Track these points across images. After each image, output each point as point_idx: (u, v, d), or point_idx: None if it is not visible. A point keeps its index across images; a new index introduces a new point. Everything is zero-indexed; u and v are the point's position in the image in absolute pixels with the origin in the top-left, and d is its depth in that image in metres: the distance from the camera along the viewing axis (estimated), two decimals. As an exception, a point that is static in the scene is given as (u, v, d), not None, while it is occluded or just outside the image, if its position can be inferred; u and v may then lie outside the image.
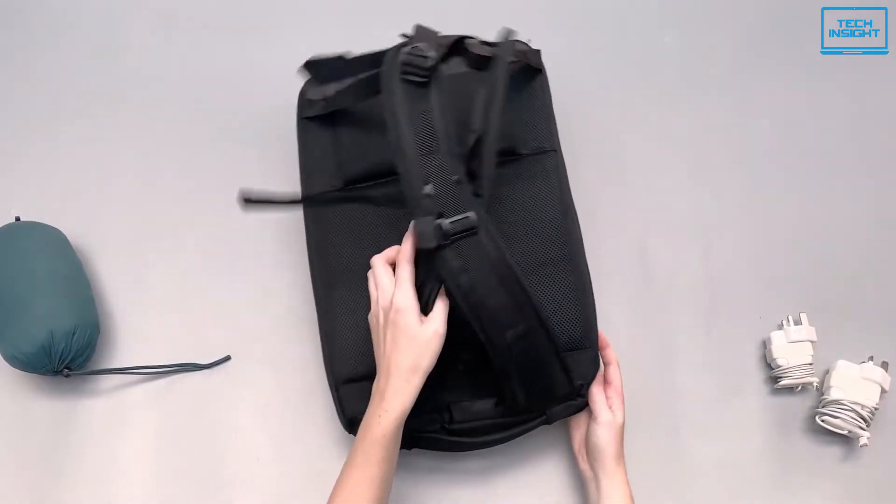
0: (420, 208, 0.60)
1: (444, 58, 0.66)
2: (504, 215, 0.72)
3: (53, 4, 0.95)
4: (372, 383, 0.64)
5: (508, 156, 0.75)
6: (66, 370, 0.73)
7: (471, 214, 0.60)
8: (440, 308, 0.61)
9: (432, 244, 0.58)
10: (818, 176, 0.88)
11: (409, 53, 0.62)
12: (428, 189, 0.60)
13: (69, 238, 0.80)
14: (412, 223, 0.61)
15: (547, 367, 0.66)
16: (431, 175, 0.60)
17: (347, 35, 0.91)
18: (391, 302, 0.61)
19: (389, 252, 0.64)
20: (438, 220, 0.59)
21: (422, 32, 0.65)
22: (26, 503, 0.74)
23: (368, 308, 0.65)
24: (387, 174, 0.73)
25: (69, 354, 0.72)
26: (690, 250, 0.84)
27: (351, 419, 0.69)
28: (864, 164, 0.88)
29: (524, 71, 0.77)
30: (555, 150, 0.76)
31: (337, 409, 0.71)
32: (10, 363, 0.72)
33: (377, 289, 0.63)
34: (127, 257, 0.83)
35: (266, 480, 0.75)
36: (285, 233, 0.83)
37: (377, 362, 0.63)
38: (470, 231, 0.60)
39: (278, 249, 0.82)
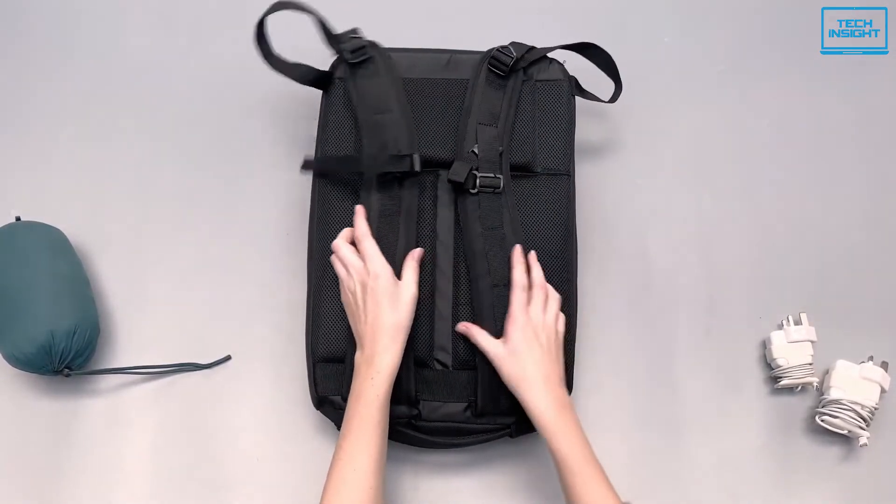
0: (462, 158, 0.73)
1: (530, 64, 0.78)
2: (507, 229, 0.74)
3: (53, 4, 0.95)
4: (344, 366, 0.69)
5: (523, 171, 0.76)
6: (67, 370, 0.73)
7: (501, 177, 0.72)
8: (411, 274, 0.68)
9: (459, 178, 0.71)
10: (818, 176, 0.88)
11: (499, 50, 0.77)
12: (475, 148, 0.73)
13: (69, 238, 0.80)
14: (357, 206, 0.71)
15: None
16: (483, 140, 0.73)
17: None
18: (368, 271, 0.67)
19: (345, 233, 0.70)
20: (473, 171, 0.72)
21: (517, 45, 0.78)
22: (26, 503, 0.74)
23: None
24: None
25: (69, 354, 0.72)
26: (690, 250, 0.84)
27: (322, 398, 0.72)
28: (863, 163, 0.89)
29: (556, 92, 0.79)
30: (568, 175, 0.77)
31: (310, 386, 0.72)
32: (10, 363, 0.72)
33: (347, 267, 0.68)
34: (127, 257, 0.83)
35: (266, 480, 0.75)
36: (286, 232, 0.83)
37: (358, 337, 0.67)
38: (495, 189, 0.72)
39: (278, 249, 0.82)
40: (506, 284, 0.70)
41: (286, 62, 0.78)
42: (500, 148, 0.74)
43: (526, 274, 0.70)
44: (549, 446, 0.64)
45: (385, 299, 0.65)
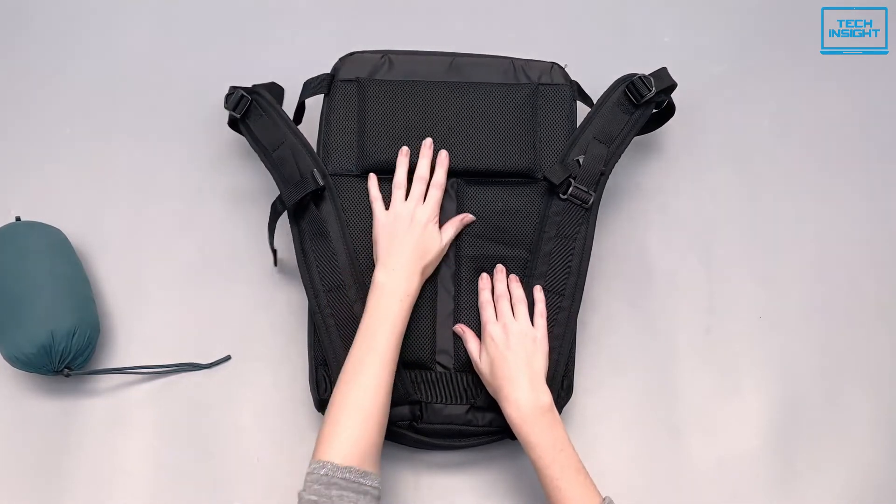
0: (564, 165, 0.74)
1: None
2: (507, 236, 0.75)
3: (53, 4, 0.95)
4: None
5: (523, 178, 0.77)
6: (67, 370, 0.73)
7: (593, 195, 0.74)
8: (451, 231, 0.74)
9: (554, 180, 0.73)
10: (818, 176, 0.88)
11: (641, 79, 0.78)
12: (580, 158, 0.75)
13: (69, 238, 0.80)
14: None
15: (554, 345, 0.71)
16: (591, 154, 0.75)
17: (344, 32, 0.91)
18: (415, 214, 0.72)
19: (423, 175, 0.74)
20: (570, 178, 0.74)
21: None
22: (26, 503, 0.74)
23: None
24: (409, 171, 0.75)
25: (69, 354, 0.72)
26: (690, 250, 0.84)
27: (323, 400, 0.72)
28: (863, 163, 0.89)
29: (558, 96, 0.79)
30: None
31: (311, 389, 0.73)
32: (10, 363, 0.72)
33: (412, 198, 0.73)
34: (127, 257, 0.83)
35: (266, 480, 0.75)
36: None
37: (389, 256, 0.70)
38: (583, 203, 0.74)
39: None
40: (558, 292, 0.72)
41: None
42: (604, 168, 0.75)
43: (491, 290, 0.74)
44: (527, 452, 0.65)
45: (428, 241, 0.71)
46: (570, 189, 0.74)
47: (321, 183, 0.73)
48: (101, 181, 0.86)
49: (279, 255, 0.80)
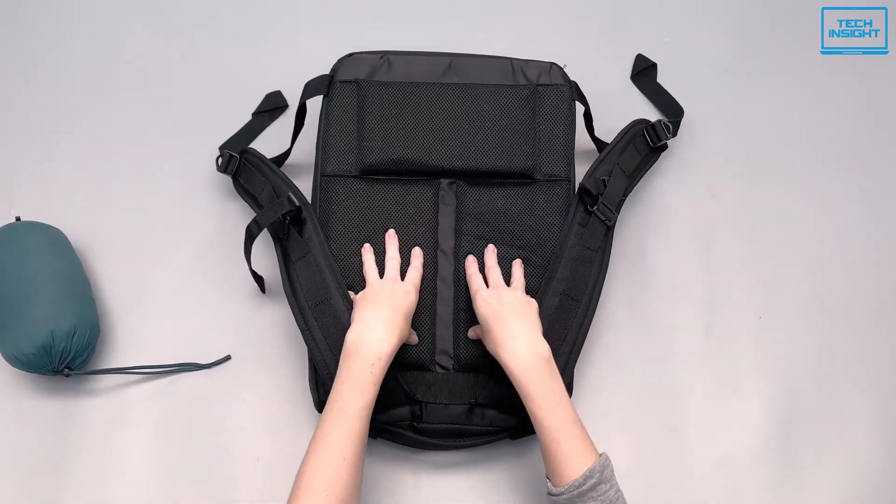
0: (593, 179, 0.77)
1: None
2: (506, 237, 0.76)
3: (54, 5, 0.95)
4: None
5: (522, 178, 0.77)
6: (66, 370, 0.73)
7: (616, 216, 0.77)
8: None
9: (592, 190, 0.76)
10: (818, 176, 0.88)
11: (661, 123, 0.83)
12: (607, 178, 0.77)
13: (69, 238, 0.80)
14: (415, 249, 0.75)
15: (561, 342, 0.71)
16: (615, 182, 0.77)
17: (344, 33, 0.91)
18: (394, 286, 0.70)
19: (417, 266, 0.74)
20: (599, 194, 0.76)
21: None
22: (26, 503, 0.74)
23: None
24: (407, 172, 0.76)
25: (69, 354, 0.72)
26: (690, 250, 0.84)
27: (323, 401, 0.71)
28: (863, 163, 0.89)
29: (557, 97, 0.79)
30: (568, 181, 0.78)
31: (311, 391, 0.73)
32: (10, 363, 0.72)
33: (387, 274, 0.72)
34: (127, 257, 0.83)
35: (266, 480, 0.75)
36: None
37: (360, 316, 0.67)
38: (606, 220, 0.76)
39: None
40: (574, 298, 0.72)
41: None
42: (623, 198, 0.78)
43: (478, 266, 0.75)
44: (526, 404, 0.63)
45: (402, 317, 0.67)
46: (598, 205, 0.75)
47: (298, 204, 0.73)
48: (101, 181, 0.86)
49: (270, 274, 0.80)
